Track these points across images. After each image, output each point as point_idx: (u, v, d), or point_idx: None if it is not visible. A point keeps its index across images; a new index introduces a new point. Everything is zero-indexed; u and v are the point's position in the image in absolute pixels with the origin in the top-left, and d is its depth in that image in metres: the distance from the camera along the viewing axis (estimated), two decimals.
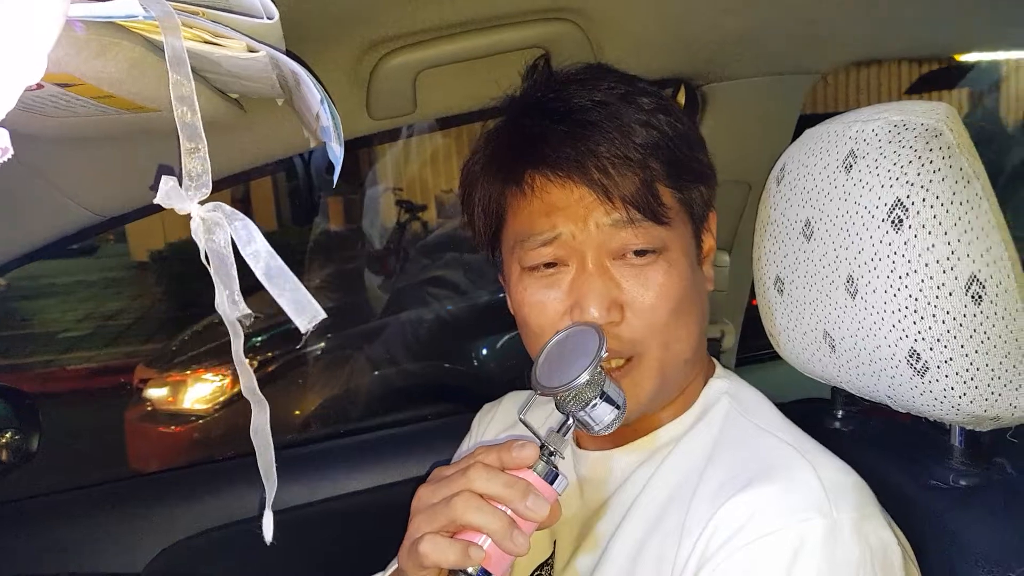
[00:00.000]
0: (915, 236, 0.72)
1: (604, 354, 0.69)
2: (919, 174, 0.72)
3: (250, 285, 0.49)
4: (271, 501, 0.57)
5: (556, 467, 0.69)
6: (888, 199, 0.74)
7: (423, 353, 2.80)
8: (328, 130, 0.60)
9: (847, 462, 0.74)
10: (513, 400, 1.07)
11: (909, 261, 0.72)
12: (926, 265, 0.71)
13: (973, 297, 0.70)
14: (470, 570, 0.65)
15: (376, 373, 2.86)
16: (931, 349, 0.72)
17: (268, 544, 0.61)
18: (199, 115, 0.45)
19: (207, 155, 0.44)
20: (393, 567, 0.83)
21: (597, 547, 0.81)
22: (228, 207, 0.46)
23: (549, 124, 0.77)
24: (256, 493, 1.30)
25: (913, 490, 0.85)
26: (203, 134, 0.45)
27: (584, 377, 0.68)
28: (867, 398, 0.87)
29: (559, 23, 0.96)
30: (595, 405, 0.70)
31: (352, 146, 0.77)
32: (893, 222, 0.73)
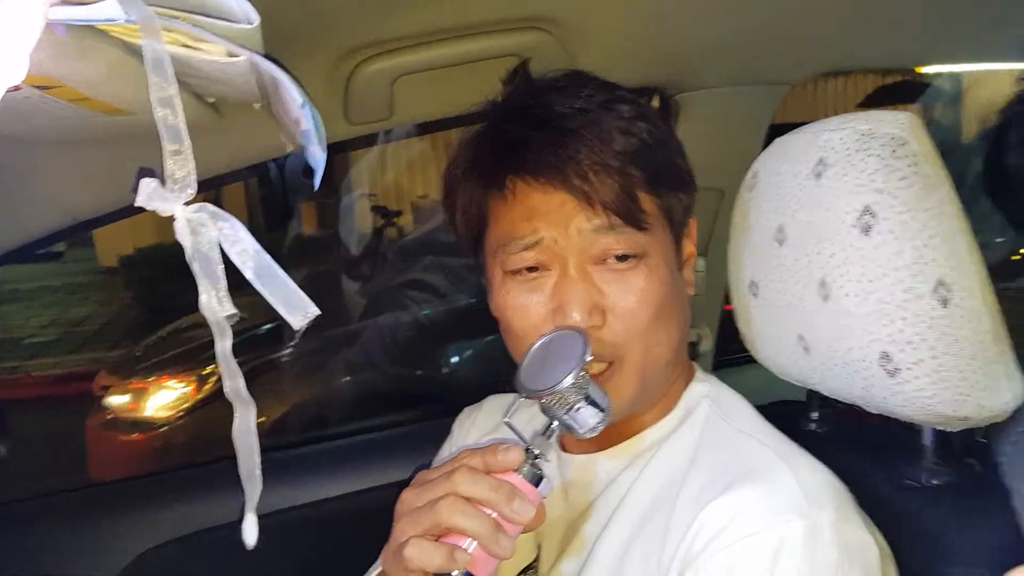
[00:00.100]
0: (883, 241, 0.74)
1: (589, 358, 0.70)
2: (886, 181, 0.74)
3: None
4: (254, 504, 0.57)
5: (541, 470, 0.69)
6: (857, 205, 0.76)
7: (400, 357, 2.79)
8: (309, 133, 0.60)
9: (823, 463, 0.76)
10: (494, 403, 1.08)
11: (878, 265, 0.74)
12: (895, 269, 0.73)
13: (940, 300, 0.72)
14: (455, 573, 0.65)
15: (351, 378, 2.84)
16: (901, 351, 0.74)
17: (246, 549, 0.60)
18: (181, 117, 0.45)
19: (191, 156, 0.44)
20: (375, 572, 0.83)
21: (583, 550, 0.81)
22: (213, 207, 0.46)
23: (530, 130, 0.78)
24: (230, 499, 1.28)
25: (887, 490, 0.87)
26: (186, 136, 0.45)
27: (569, 380, 0.69)
28: (841, 400, 0.88)
29: (534, 32, 0.97)
30: (579, 408, 0.70)
31: (329, 151, 0.77)
32: (862, 228, 0.75)
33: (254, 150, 1.00)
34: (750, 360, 1.02)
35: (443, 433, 1.10)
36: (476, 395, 1.11)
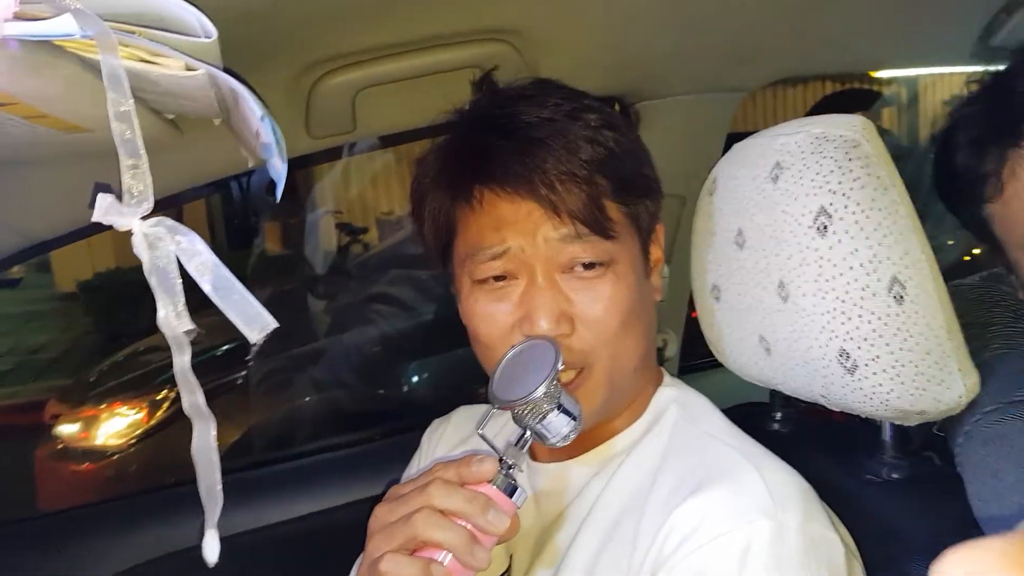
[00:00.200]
0: (839, 241, 0.76)
1: (561, 367, 0.71)
2: (840, 183, 0.76)
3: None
4: (215, 521, 0.56)
5: (515, 480, 0.69)
6: (813, 207, 0.77)
7: (366, 372, 2.76)
8: (270, 146, 0.60)
9: (787, 463, 0.77)
10: (463, 415, 1.07)
11: (835, 265, 0.76)
12: (850, 268, 0.75)
13: (895, 297, 0.74)
14: None
15: (316, 396, 2.81)
16: (859, 348, 0.76)
17: (210, 568, 0.59)
18: (138, 132, 0.44)
19: (148, 171, 0.44)
20: None
21: (555, 558, 0.81)
22: (170, 221, 0.46)
23: (497, 140, 0.79)
24: (190, 523, 1.26)
25: (850, 486, 0.89)
26: (143, 151, 0.44)
27: (541, 390, 0.69)
28: (803, 398, 0.90)
29: (496, 43, 0.98)
30: (552, 418, 0.71)
31: (292, 165, 0.77)
32: (818, 228, 0.77)
33: (215, 166, 0.99)
34: (716, 364, 1.04)
35: (410, 448, 1.09)
36: (443, 408, 1.11)
